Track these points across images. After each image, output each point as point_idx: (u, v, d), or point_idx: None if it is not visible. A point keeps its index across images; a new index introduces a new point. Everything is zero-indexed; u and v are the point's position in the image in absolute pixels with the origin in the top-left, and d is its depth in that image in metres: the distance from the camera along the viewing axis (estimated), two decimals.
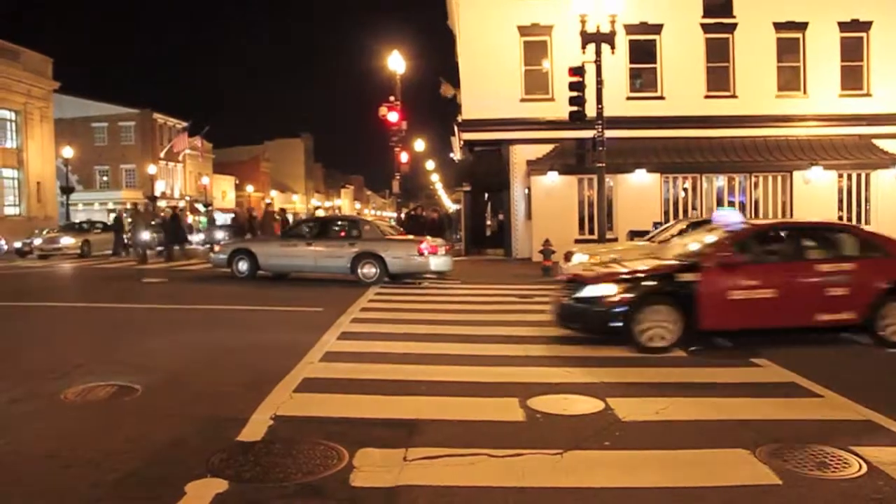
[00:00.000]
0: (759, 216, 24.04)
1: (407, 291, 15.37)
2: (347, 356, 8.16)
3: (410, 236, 18.50)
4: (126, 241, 28.87)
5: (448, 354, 8.24)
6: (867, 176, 24.23)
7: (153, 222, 27.98)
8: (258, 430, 5.39)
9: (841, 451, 4.90)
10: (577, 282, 9.23)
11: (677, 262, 9.17)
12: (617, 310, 8.60)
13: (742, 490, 4.31)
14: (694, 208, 24.21)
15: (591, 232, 21.90)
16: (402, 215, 31.33)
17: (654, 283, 8.81)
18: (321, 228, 18.20)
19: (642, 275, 9.02)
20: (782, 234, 9.79)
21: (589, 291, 8.86)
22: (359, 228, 17.65)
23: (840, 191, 24.23)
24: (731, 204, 24.45)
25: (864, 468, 4.61)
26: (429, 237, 17.94)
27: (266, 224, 27.17)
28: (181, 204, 62.66)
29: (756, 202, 24.35)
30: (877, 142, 24.31)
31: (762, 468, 4.63)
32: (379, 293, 14.73)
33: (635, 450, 5.00)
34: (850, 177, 24.27)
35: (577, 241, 21.05)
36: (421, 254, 16.35)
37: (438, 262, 16.60)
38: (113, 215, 39.42)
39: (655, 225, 19.76)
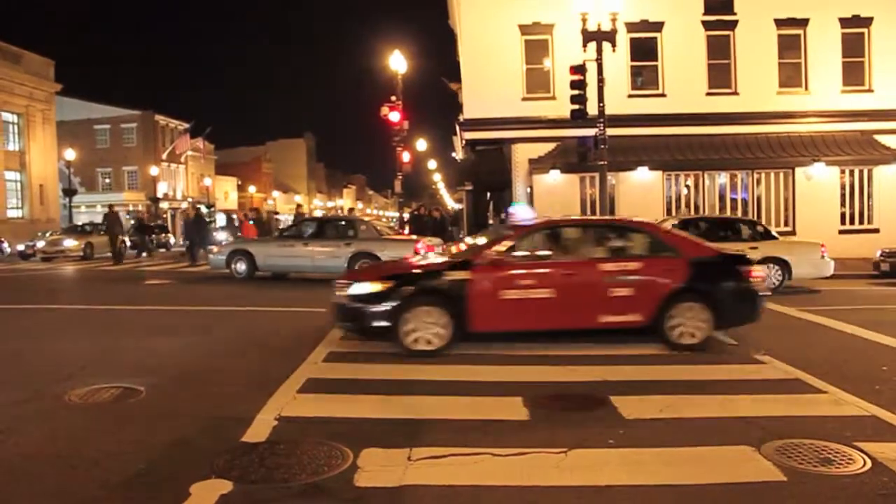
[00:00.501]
0: (762, 213, 24.06)
1: None
2: (351, 356, 8.17)
3: (408, 236, 18.54)
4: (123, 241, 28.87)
5: (451, 353, 8.24)
6: (869, 172, 24.20)
7: (154, 223, 28.08)
8: (262, 430, 5.40)
9: (845, 447, 4.90)
10: (351, 279, 8.88)
11: (448, 260, 8.81)
12: (382, 309, 8.17)
13: (746, 487, 4.32)
14: (696, 205, 24.20)
15: None
16: (406, 215, 31.34)
17: (422, 281, 8.40)
18: (318, 228, 18.26)
19: (411, 272, 8.69)
20: (569, 231, 9.42)
21: (355, 289, 8.45)
22: (355, 228, 17.71)
23: (842, 187, 24.21)
24: (734, 201, 24.46)
25: (869, 464, 4.61)
26: (429, 237, 17.94)
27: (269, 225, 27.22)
28: (184, 205, 62.76)
29: (758, 199, 24.33)
30: (878, 137, 24.25)
31: (766, 465, 4.63)
32: None
33: (639, 448, 5.00)
34: (852, 173, 24.23)
35: None
36: (417, 253, 16.37)
37: None
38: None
39: None
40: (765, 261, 14.44)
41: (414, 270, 8.82)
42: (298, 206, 32.81)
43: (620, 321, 8.42)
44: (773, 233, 15.93)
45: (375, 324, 8.25)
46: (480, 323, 8.25)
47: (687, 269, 8.51)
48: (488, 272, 8.33)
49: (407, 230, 25.71)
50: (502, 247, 8.69)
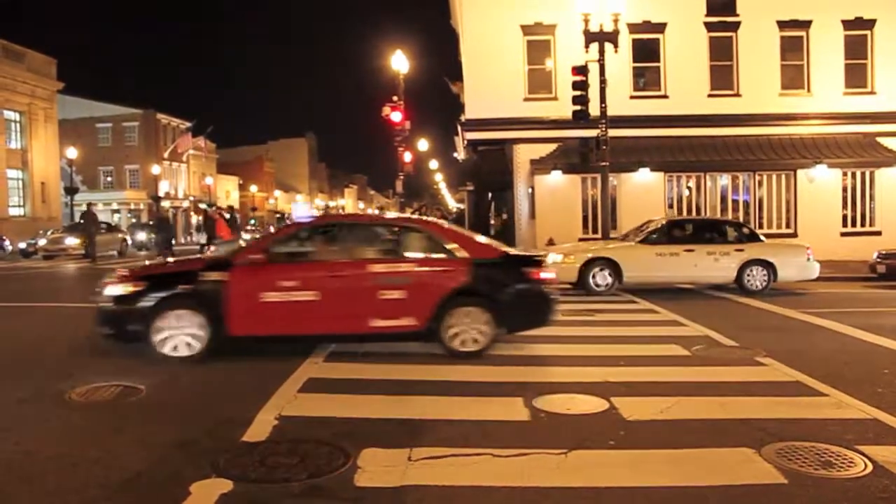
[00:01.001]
0: (763, 215, 24.07)
1: None
2: (352, 356, 8.16)
3: None
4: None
5: (450, 354, 8.24)
6: (871, 174, 24.18)
7: (151, 222, 28.16)
8: (263, 430, 5.40)
9: (846, 449, 4.89)
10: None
11: (209, 260, 8.49)
12: (135, 311, 7.77)
13: (747, 489, 4.30)
14: (698, 207, 24.19)
15: (595, 231, 21.87)
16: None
17: (176, 282, 7.96)
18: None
19: (166, 273, 8.39)
20: (343, 230, 8.97)
21: (110, 291, 8.01)
22: None
23: (844, 189, 24.19)
24: (735, 202, 24.45)
25: (870, 467, 4.60)
26: None
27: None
28: (185, 204, 62.77)
29: (760, 201, 24.32)
30: (881, 140, 24.23)
31: (767, 467, 4.63)
32: None
33: (640, 449, 5.00)
34: (854, 175, 24.22)
35: (581, 241, 21.09)
36: None
37: None
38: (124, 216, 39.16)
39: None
40: (750, 263, 14.44)
41: (170, 271, 8.52)
42: (327, 206, 32.90)
43: (393, 326, 7.97)
44: (760, 235, 15.92)
45: (130, 327, 7.83)
46: (239, 327, 7.81)
47: (466, 270, 8.13)
48: (249, 273, 7.89)
49: None
50: (264, 247, 8.33)
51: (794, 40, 24.52)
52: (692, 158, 23.83)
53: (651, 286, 14.47)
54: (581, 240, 21.72)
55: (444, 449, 4.94)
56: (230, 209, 31.46)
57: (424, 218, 8.77)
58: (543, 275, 8.46)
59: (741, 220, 22.72)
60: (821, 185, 23.88)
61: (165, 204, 59.87)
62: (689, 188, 24.64)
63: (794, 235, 22.95)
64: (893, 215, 23.57)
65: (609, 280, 14.12)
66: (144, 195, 61.03)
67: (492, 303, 8.14)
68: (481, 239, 9.17)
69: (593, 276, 14.11)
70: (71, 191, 42.49)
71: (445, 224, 10.14)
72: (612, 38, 17.77)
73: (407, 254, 8.53)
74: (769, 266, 14.45)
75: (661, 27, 24.34)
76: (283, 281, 7.90)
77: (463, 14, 25.43)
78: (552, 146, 24.33)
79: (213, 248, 20.23)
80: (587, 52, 18.06)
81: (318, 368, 7.55)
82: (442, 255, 8.34)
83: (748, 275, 14.41)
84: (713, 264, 14.43)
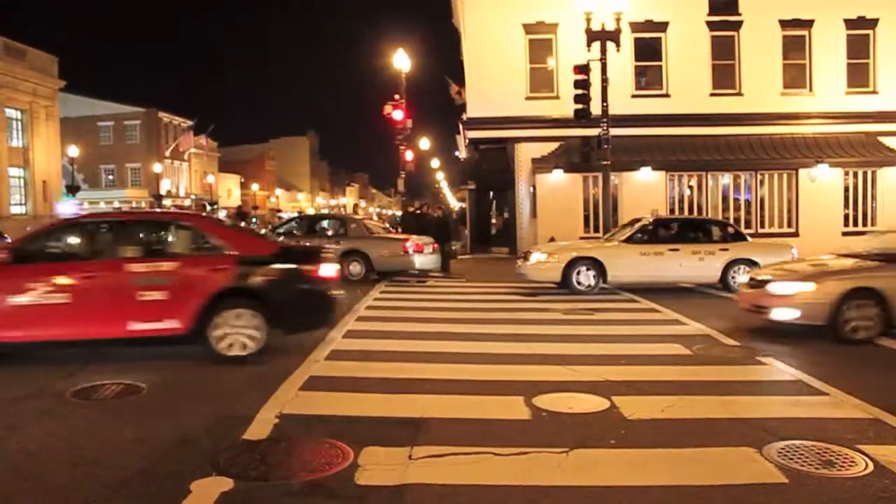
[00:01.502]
0: (765, 214, 24.05)
1: (412, 290, 15.39)
2: (353, 354, 8.17)
3: (397, 235, 18.79)
4: None
5: (453, 353, 8.24)
6: (873, 173, 24.16)
7: None
8: (264, 428, 5.40)
9: (847, 449, 4.89)
10: None
11: None
12: None
13: (748, 489, 4.30)
14: (699, 206, 24.16)
15: (597, 230, 21.85)
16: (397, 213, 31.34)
17: None
18: (309, 226, 18.57)
19: None
20: (103, 227, 8.47)
21: None
22: (345, 226, 18.00)
23: (846, 188, 24.19)
24: (737, 202, 24.43)
25: (871, 466, 4.59)
26: (415, 236, 18.06)
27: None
28: (187, 203, 62.78)
29: (762, 200, 24.29)
30: (882, 139, 24.21)
31: (768, 467, 4.62)
32: (384, 291, 14.76)
33: (641, 448, 5.00)
34: (855, 174, 24.21)
35: (582, 239, 21.09)
36: (406, 252, 16.82)
37: (423, 259, 17.13)
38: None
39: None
40: (735, 262, 14.31)
41: None
42: (356, 205, 32.46)
43: (155, 329, 7.52)
44: (745, 234, 15.84)
45: None
46: None
47: (235, 268, 7.72)
48: None
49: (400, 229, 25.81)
50: (16, 245, 8.02)
51: (796, 39, 24.49)
52: (694, 157, 23.81)
53: (636, 286, 14.39)
54: (582, 238, 21.72)
55: (445, 447, 4.94)
56: (203, 207, 31.50)
57: (191, 212, 8.37)
58: (323, 272, 8.06)
59: (742, 219, 22.76)
60: (822, 184, 23.86)
61: (167, 202, 59.89)
62: (690, 187, 24.62)
63: (796, 235, 22.93)
64: (895, 215, 23.54)
65: (593, 280, 14.02)
66: (146, 193, 61.01)
67: (263, 303, 7.70)
68: (253, 234, 8.80)
69: (577, 276, 14.02)
70: (72, 189, 42.51)
71: (213, 219, 9.73)
72: (614, 36, 17.76)
73: (171, 251, 8.19)
74: (754, 265, 14.40)
75: (663, 26, 24.32)
76: (30, 283, 7.44)
77: (465, 13, 25.42)
78: (554, 145, 24.32)
79: None
80: (589, 50, 18.06)
81: (319, 367, 7.54)
82: (208, 253, 7.99)
83: (733, 274, 14.31)
84: (698, 264, 14.32)
